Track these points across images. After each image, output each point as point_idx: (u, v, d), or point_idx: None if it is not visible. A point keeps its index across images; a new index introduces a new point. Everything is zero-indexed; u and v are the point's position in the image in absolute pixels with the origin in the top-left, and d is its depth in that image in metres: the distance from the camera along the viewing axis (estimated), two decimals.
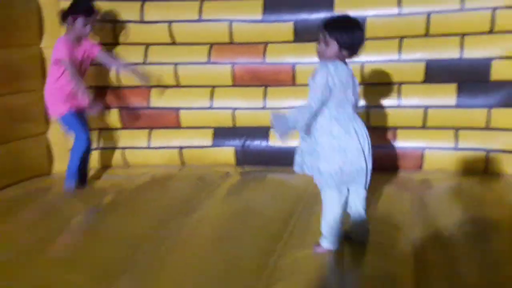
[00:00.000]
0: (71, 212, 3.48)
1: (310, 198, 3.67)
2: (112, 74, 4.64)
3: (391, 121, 4.33)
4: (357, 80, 2.72)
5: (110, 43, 4.65)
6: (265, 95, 4.53)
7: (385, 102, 4.33)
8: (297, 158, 2.78)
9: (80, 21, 4.05)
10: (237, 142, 4.58)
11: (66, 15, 4.07)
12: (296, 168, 2.79)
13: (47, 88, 4.19)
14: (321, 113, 2.57)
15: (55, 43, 4.10)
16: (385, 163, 4.14)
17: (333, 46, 2.54)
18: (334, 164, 2.57)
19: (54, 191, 4.03)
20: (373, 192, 3.66)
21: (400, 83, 4.33)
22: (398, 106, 4.30)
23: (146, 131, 4.69)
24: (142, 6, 4.58)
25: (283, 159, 4.44)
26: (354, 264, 2.66)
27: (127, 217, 3.36)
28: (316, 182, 2.71)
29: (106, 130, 4.73)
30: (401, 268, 2.59)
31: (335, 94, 2.53)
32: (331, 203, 2.65)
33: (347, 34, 2.54)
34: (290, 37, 4.46)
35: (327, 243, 2.69)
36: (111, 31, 4.62)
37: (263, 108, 4.52)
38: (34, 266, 2.70)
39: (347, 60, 2.63)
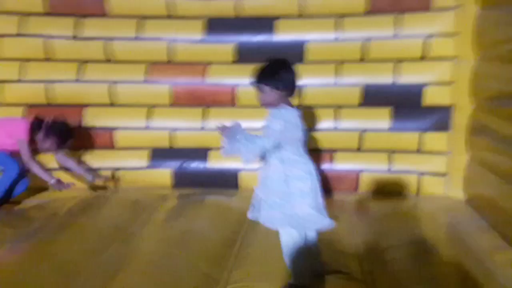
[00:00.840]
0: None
1: (251, 222, 3.65)
2: (43, 92, 4.45)
3: (328, 143, 4.39)
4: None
5: (42, 59, 4.46)
6: (204, 115, 4.48)
7: (323, 124, 4.40)
8: (255, 205, 2.67)
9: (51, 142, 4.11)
10: (175, 164, 4.48)
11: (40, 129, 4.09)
12: (251, 215, 2.68)
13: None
14: (280, 159, 2.56)
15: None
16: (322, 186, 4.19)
17: (271, 93, 2.56)
18: (305, 207, 2.55)
19: None
20: None
21: (338, 107, 4.41)
22: (335, 129, 4.38)
23: (79, 151, 4.51)
24: (76, 22, 4.43)
25: (222, 180, 4.43)
26: None
27: (62, 243, 3.16)
28: (274, 227, 2.63)
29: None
30: None
31: (290, 137, 2.55)
32: (295, 242, 2.60)
33: (279, 78, 2.56)
34: (231, 58, 4.45)
35: (299, 279, 2.61)
36: (43, 46, 4.43)
37: (202, 128, 4.47)
38: None
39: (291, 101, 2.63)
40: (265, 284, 2.66)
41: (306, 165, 2.59)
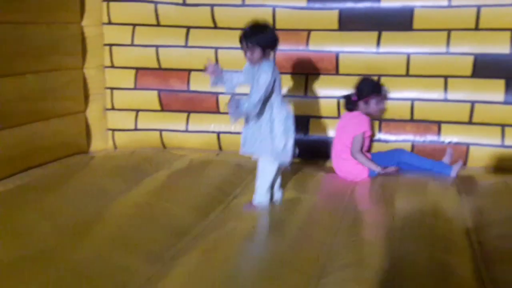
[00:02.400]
0: (115, 190, 3.46)
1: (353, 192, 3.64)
2: (152, 56, 4.63)
3: (436, 115, 4.25)
4: None
5: (151, 25, 4.63)
6: (306, 83, 4.47)
7: (431, 95, 4.25)
8: (243, 143, 3.32)
9: (372, 101, 4.01)
10: None
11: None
12: (242, 151, 3.33)
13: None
14: (269, 104, 3.17)
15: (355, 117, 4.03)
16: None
17: (258, 50, 3.14)
18: (281, 143, 3.21)
19: (94, 169, 4.02)
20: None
21: (447, 77, 4.23)
22: (445, 100, 4.22)
23: (185, 114, 4.68)
24: None
25: (322, 151, 4.42)
26: None
27: (171, 200, 3.32)
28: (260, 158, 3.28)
29: (145, 111, 4.72)
30: None
31: (276, 86, 3.18)
32: (271, 171, 3.27)
33: (264, 36, 3.16)
34: (335, 25, 4.38)
35: (261, 199, 3.26)
36: (153, 12, 4.59)
37: (305, 96, 4.47)
38: (81, 245, 2.69)
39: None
40: None
41: (287, 107, 3.27)
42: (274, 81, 3.14)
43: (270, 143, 3.20)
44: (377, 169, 3.91)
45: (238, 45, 4.44)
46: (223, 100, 4.59)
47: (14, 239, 2.71)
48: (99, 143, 4.73)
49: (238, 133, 4.49)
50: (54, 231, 2.83)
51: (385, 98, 4.19)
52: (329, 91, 4.42)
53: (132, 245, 2.67)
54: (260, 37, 3.15)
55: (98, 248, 2.65)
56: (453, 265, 2.53)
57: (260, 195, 3.30)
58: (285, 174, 3.82)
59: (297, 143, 4.33)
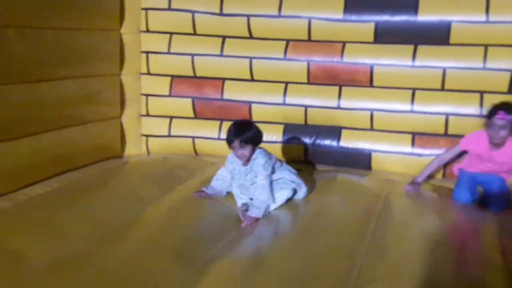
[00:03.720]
0: (149, 196, 3.54)
1: (386, 201, 3.65)
2: (187, 64, 4.70)
3: (471, 130, 4.19)
4: None
5: (188, 33, 4.71)
6: (339, 94, 4.49)
7: (466, 110, 4.22)
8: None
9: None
10: (308, 140, 4.55)
11: None
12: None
13: None
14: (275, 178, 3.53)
15: None
16: None
17: (250, 148, 3.43)
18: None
19: (128, 174, 4.10)
20: None
21: (483, 92, 4.20)
22: (481, 116, 4.17)
23: (218, 122, 4.73)
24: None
25: (354, 160, 4.43)
26: None
27: (204, 207, 3.37)
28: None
29: (178, 118, 4.79)
30: None
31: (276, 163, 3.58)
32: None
33: (254, 134, 3.45)
34: (370, 38, 4.39)
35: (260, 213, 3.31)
36: (190, 21, 4.66)
37: (337, 107, 4.48)
38: (118, 248, 2.75)
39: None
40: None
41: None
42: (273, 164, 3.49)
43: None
44: None
45: (273, 55, 4.58)
46: (256, 109, 4.65)
47: (51, 241, 2.80)
48: (133, 148, 4.82)
49: (270, 142, 4.58)
50: (90, 234, 2.90)
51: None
52: (363, 104, 4.42)
53: (167, 249, 2.72)
54: (250, 135, 3.42)
55: (133, 252, 2.71)
56: (488, 282, 2.51)
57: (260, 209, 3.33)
58: (315, 182, 3.88)
59: (328, 151, 4.49)
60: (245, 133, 3.41)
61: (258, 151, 3.48)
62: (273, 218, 3.29)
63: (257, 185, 3.37)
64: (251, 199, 3.41)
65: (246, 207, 3.33)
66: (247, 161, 3.46)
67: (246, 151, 3.41)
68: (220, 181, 3.64)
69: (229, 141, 3.43)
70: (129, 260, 2.62)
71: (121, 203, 3.38)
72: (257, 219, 3.21)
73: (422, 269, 2.61)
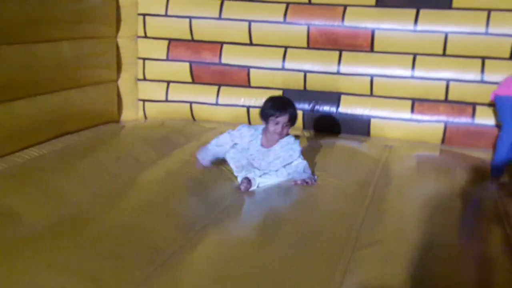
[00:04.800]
0: (146, 159, 3.51)
1: (384, 167, 3.63)
2: (185, 27, 4.61)
3: (472, 96, 4.19)
4: None
5: None
6: (339, 59, 4.42)
7: (468, 76, 4.18)
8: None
9: None
10: (306, 106, 4.50)
11: None
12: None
13: None
14: None
15: None
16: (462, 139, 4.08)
17: (289, 127, 3.24)
18: None
19: (125, 138, 4.06)
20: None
21: (485, 58, 4.15)
22: (481, 81, 4.14)
23: (215, 87, 4.67)
24: None
25: (353, 126, 4.40)
26: None
27: (202, 171, 3.34)
28: None
29: (176, 83, 4.73)
30: None
31: None
32: None
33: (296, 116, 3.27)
34: (372, 1, 4.30)
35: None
36: None
37: (337, 73, 4.42)
38: (115, 210, 2.74)
39: None
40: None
41: None
42: None
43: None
44: None
45: (272, 18, 4.48)
46: (254, 73, 4.58)
47: (50, 202, 2.77)
48: (130, 113, 4.77)
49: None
50: (89, 195, 2.89)
51: None
52: (363, 69, 4.37)
53: (165, 212, 2.70)
54: (296, 114, 3.25)
55: (132, 213, 2.69)
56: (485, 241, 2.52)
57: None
58: (314, 149, 3.86)
59: (327, 118, 4.45)
60: (294, 108, 3.22)
61: (290, 135, 3.29)
62: (274, 185, 3.25)
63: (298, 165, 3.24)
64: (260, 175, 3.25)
65: (247, 182, 3.13)
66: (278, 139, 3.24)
67: (287, 129, 3.22)
68: (220, 147, 3.37)
69: (274, 114, 3.16)
70: (126, 222, 2.60)
71: (118, 166, 3.34)
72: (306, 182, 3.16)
73: (420, 233, 2.60)
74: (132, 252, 2.30)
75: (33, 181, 3.01)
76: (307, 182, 3.15)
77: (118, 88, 4.67)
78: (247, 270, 2.19)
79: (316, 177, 3.26)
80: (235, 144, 3.32)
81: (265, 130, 3.27)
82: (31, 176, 3.09)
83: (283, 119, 3.16)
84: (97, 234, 2.45)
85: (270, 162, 3.24)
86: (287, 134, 3.26)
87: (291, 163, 3.25)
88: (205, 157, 3.36)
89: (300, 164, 3.24)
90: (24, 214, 2.60)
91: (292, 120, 3.21)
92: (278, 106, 3.19)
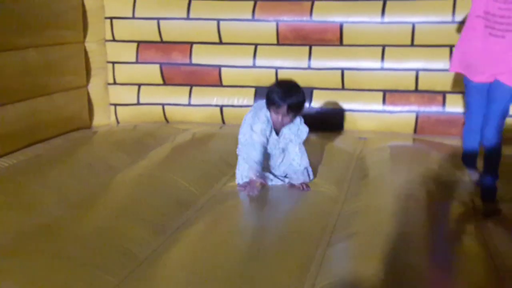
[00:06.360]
0: (119, 164, 3.47)
1: (359, 160, 3.65)
2: (153, 28, 4.57)
3: (441, 85, 4.22)
4: None
5: None
6: (310, 55, 4.42)
7: (436, 65, 4.22)
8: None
9: None
10: None
11: None
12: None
13: None
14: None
15: None
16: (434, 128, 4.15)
17: (293, 116, 3.11)
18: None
19: (97, 144, 4.01)
20: None
21: (452, 46, 4.15)
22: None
23: (187, 87, 4.64)
24: None
25: (326, 121, 4.40)
26: None
27: (175, 171, 3.31)
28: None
29: (147, 86, 4.69)
30: None
31: None
32: None
33: (303, 102, 3.14)
34: None
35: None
36: None
37: (308, 68, 4.42)
38: (86, 218, 2.69)
39: None
40: None
41: None
42: None
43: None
44: None
45: (241, 16, 4.46)
46: (226, 72, 4.57)
47: (20, 212, 2.72)
48: (101, 118, 4.71)
49: (241, 106, 4.52)
50: (60, 204, 2.84)
51: None
52: (333, 63, 4.38)
53: (138, 216, 2.67)
54: (301, 100, 3.09)
55: (104, 219, 2.65)
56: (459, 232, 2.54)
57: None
58: None
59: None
60: (296, 98, 3.05)
61: (299, 117, 3.18)
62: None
63: (301, 151, 3.17)
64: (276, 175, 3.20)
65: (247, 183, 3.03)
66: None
67: (288, 119, 3.09)
68: (263, 150, 3.07)
69: (274, 103, 3.03)
70: (99, 228, 2.56)
71: (90, 173, 3.30)
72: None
73: (395, 224, 2.61)
74: (104, 259, 2.28)
75: (3, 191, 2.94)
76: (303, 188, 3.08)
77: (88, 93, 4.61)
78: (221, 273, 2.17)
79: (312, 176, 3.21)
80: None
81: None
82: (1, 186, 3.03)
83: (283, 110, 3.03)
84: (69, 242, 2.40)
85: (283, 148, 3.17)
86: (292, 121, 3.13)
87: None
88: (255, 172, 3.03)
89: (304, 156, 3.17)
90: None
91: (294, 110, 3.05)
92: (279, 96, 3.03)
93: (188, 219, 2.74)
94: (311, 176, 3.21)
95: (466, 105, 3.30)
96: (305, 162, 3.19)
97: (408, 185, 3.12)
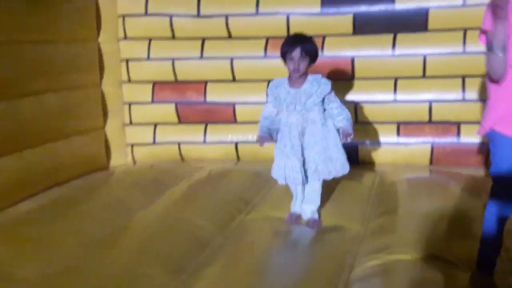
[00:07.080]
0: (136, 204, 3.49)
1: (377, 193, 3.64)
2: (168, 69, 4.66)
3: (455, 115, 4.22)
4: None
5: (167, 38, 4.67)
6: None
7: (449, 96, 4.21)
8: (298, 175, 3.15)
9: None
10: None
11: None
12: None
13: None
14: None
15: None
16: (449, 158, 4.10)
17: (307, 62, 3.11)
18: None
19: (115, 185, 4.05)
20: None
21: (465, 76, 4.20)
22: (463, 100, 4.18)
23: (202, 125, 4.70)
24: (198, 0, 4.57)
25: None
26: None
27: (192, 211, 3.33)
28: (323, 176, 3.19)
29: (163, 125, 4.75)
30: None
31: None
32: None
33: (315, 48, 3.15)
34: (349, 30, 4.37)
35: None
36: (168, 25, 4.62)
37: None
38: (106, 259, 2.71)
39: None
40: None
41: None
42: None
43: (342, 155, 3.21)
44: None
45: (254, 54, 4.54)
46: (240, 109, 4.62)
47: (41, 255, 2.76)
48: (118, 158, 4.77)
49: (256, 142, 4.53)
50: (79, 246, 2.87)
51: None
52: (346, 97, 4.41)
53: (156, 256, 2.69)
54: (313, 46, 3.13)
55: (123, 260, 2.68)
56: None
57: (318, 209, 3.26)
58: None
59: None
60: (306, 42, 3.11)
61: (315, 76, 3.17)
62: (265, 225, 3.22)
63: (336, 107, 3.16)
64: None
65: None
66: (299, 78, 3.12)
67: (304, 64, 3.08)
68: (269, 119, 3.24)
69: (287, 51, 3.08)
70: (118, 269, 2.58)
71: (109, 214, 3.33)
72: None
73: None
74: None
75: (23, 236, 2.99)
76: (346, 137, 3.10)
77: (105, 134, 4.68)
78: None
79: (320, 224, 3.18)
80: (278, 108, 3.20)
81: (289, 76, 3.19)
82: (21, 232, 3.07)
83: (296, 53, 3.05)
84: (89, 285, 2.43)
85: (304, 104, 3.10)
86: (307, 72, 3.14)
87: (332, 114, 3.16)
88: (262, 134, 3.24)
89: (341, 110, 3.16)
90: (13, 270, 2.58)
91: (308, 53, 3.07)
92: (288, 42, 3.13)
93: (207, 257, 2.74)
94: (319, 223, 3.16)
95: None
96: (346, 113, 3.16)
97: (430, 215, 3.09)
